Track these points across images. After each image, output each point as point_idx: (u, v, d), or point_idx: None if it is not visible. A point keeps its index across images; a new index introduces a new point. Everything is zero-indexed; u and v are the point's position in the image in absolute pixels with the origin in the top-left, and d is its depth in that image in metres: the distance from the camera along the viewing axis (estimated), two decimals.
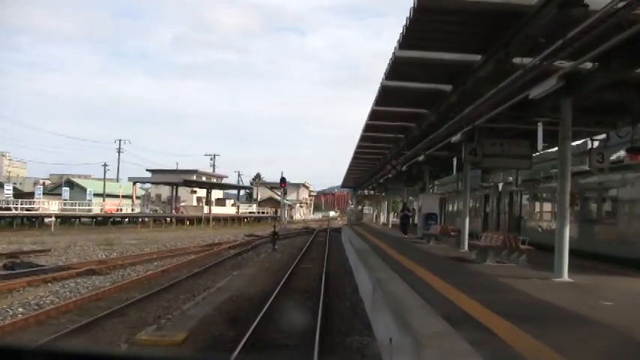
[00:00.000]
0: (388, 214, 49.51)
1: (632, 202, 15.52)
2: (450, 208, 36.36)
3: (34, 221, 47.74)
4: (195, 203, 73.53)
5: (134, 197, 64.06)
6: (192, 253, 26.83)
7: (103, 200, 64.25)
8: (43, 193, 64.68)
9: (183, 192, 71.01)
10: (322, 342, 9.67)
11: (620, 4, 6.93)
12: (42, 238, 33.29)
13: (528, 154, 15.32)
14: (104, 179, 74.65)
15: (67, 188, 62.41)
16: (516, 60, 10.01)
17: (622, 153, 17.41)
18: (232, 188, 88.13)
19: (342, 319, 12.09)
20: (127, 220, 57.99)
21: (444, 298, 8.36)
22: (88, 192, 63.02)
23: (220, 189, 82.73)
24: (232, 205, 78.97)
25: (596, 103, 12.41)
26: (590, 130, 12.59)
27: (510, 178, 28.49)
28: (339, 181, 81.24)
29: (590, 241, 16.84)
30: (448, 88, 12.56)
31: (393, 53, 10.39)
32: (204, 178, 79.91)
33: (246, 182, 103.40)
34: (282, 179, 59.57)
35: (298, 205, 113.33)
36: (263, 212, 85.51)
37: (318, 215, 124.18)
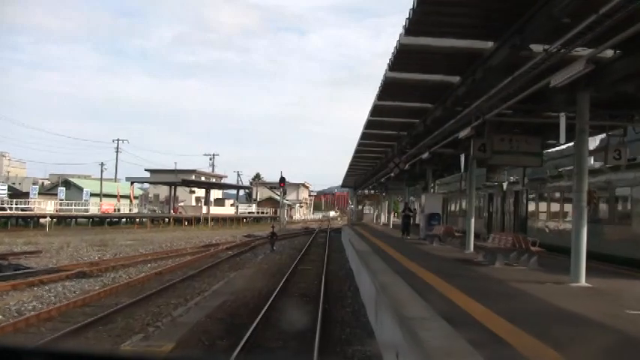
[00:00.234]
0: (389, 214, 48.70)
1: None
2: (452, 208, 35.63)
3: (29, 221, 46.96)
4: (193, 203, 72.78)
5: (132, 197, 63.25)
6: (189, 255, 26.06)
7: (100, 200, 63.47)
8: (41, 193, 63.97)
9: (181, 192, 70.25)
10: (321, 351, 8.99)
11: None
12: (36, 239, 32.49)
13: (539, 151, 14.55)
14: (101, 179, 73.91)
15: (63, 188, 61.58)
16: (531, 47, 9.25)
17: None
18: (231, 188, 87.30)
19: (343, 326, 11.35)
20: (124, 220, 57.22)
21: (455, 307, 7.60)
22: (84, 192, 62.22)
23: (219, 189, 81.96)
24: (231, 205, 78.22)
25: (611, 96, 11.63)
26: (607, 123, 11.76)
27: (511, 178, 27.80)
28: (339, 181, 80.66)
29: (601, 242, 16.07)
30: (456, 80, 11.80)
31: (398, 41, 9.63)
32: (203, 178, 79.15)
33: (246, 182, 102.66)
34: (282, 179, 59.07)
35: (298, 205, 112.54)
36: (262, 212, 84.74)
37: (318, 215, 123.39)
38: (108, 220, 54.18)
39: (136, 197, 65.90)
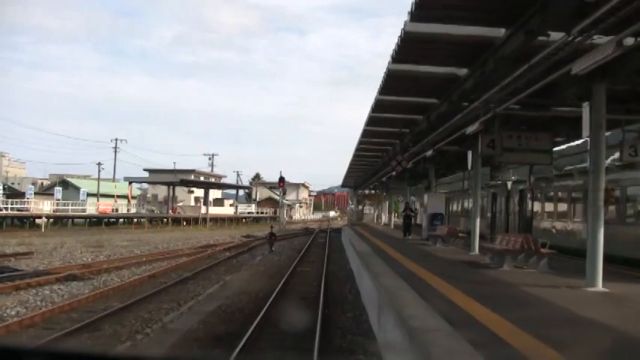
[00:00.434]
0: (390, 214, 48.03)
1: None
2: (454, 208, 34.93)
3: (25, 222, 46.31)
4: (193, 203, 72.09)
5: (129, 197, 62.56)
6: (185, 256, 25.40)
7: (97, 200, 62.78)
8: (39, 193, 63.32)
9: (180, 192, 69.55)
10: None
11: None
12: (30, 240, 31.83)
13: (548, 148, 13.87)
14: (98, 179, 73.21)
15: (60, 188, 60.90)
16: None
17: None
18: (230, 188, 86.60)
19: (344, 334, 10.70)
20: (121, 220, 56.56)
21: (468, 317, 6.93)
22: (81, 192, 61.53)
23: (218, 189, 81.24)
24: (230, 205, 77.55)
25: (628, 89, 10.96)
26: (623, 117, 11.08)
27: (513, 178, 27.16)
28: (339, 181, 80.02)
29: (612, 243, 15.37)
30: (463, 72, 11.13)
31: (403, 29, 8.96)
32: (202, 178, 78.43)
33: (246, 182, 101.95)
34: (281, 179, 58.46)
35: (298, 205, 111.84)
36: (262, 212, 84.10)
37: (318, 215, 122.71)
38: (105, 220, 53.50)
39: (134, 197, 65.21)
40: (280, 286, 15.76)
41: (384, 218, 49.56)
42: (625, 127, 11.99)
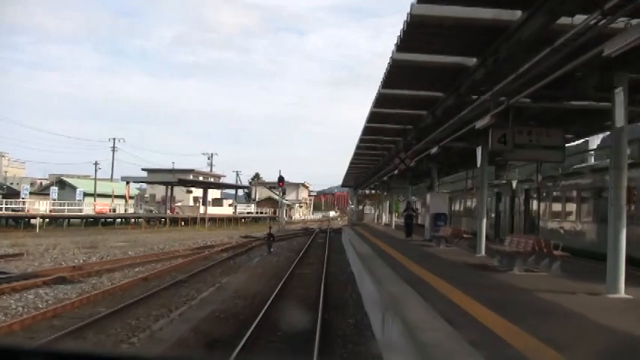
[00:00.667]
0: (391, 214, 47.28)
1: None
2: (455, 208, 34.17)
3: (20, 222, 45.58)
4: (191, 203, 71.33)
5: (127, 197, 61.80)
6: (181, 257, 24.64)
7: (94, 200, 62.02)
8: (35, 193, 62.61)
9: (179, 192, 68.81)
10: None
11: None
12: (23, 240, 31.08)
13: (561, 145, 13.12)
14: (95, 178, 72.48)
15: (56, 188, 60.13)
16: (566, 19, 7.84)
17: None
18: (229, 187, 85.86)
19: (345, 342, 9.98)
20: (118, 220, 55.84)
21: (486, 331, 6.17)
22: (77, 191, 60.76)
23: (216, 188, 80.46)
24: (230, 205, 76.80)
25: None
26: None
27: (518, 177, 26.42)
28: (338, 181, 79.27)
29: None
30: (472, 62, 10.37)
31: (409, 13, 8.23)
32: (201, 178, 77.64)
33: (246, 182, 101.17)
34: (280, 178, 57.63)
35: (297, 205, 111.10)
36: (261, 212, 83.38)
37: (318, 215, 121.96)
38: (102, 220, 52.76)
39: (131, 197, 64.45)
40: (278, 289, 15.03)
41: (385, 218, 48.80)
42: None
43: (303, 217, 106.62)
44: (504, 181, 26.42)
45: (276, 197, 74.47)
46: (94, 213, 54.71)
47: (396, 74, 11.62)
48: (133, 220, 55.09)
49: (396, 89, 13.32)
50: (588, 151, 22.61)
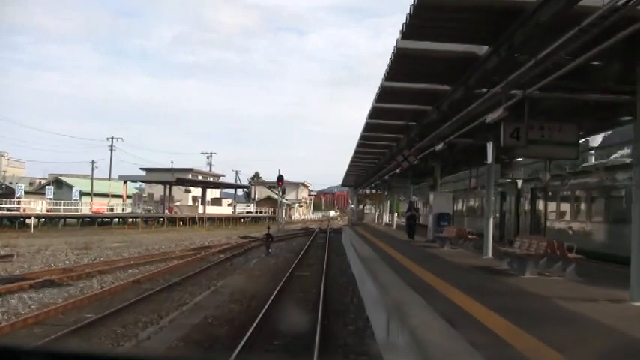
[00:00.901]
0: (392, 213, 46.54)
1: None
2: (458, 208, 33.42)
3: (15, 222, 44.85)
4: (190, 203, 70.61)
5: (124, 196, 61.02)
6: (176, 258, 23.92)
7: (91, 200, 61.25)
8: (33, 193, 61.83)
9: (178, 192, 68.05)
10: None
11: None
12: (16, 241, 30.37)
13: (575, 141, 12.37)
14: (92, 178, 71.73)
15: (52, 187, 59.38)
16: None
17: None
18: (228, 187, 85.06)
19: (346, 352, 9.28)
20: (116, 220, 55.08)
21: (506, 346, 5.45)
22: (74, 191, 59.99)
23: (215, 188, 79.72)
24: (229, 205, 76.02)
25: None
26: None
27: (523, 176, 25.69)
28: (338, 181, 78.58)
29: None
30: (483, 50, 9.65)
31: None
32: (200, 177, 76.86)
33: (245, 182, 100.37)
34: (280, 177, 56.81)
35: (297, 204, 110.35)
36: (261, 212, 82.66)
37: (318, 215, 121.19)
38: (99, 220, 52.01)
39: (129, 197, 63.70)
40: (275, 293, 14.32)
41: (386, 218, 48.07)
42: None
43: (302, 217, 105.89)
44: (509, 180, 25.68)
45: (276, 197, 73.79)
46: (90, 213, 53.97)
47: (400, 64, 10.88)
48: (130, 220, 54.34)
49: (399, 82, 12.58)
50: (590, 150, 21.98)
